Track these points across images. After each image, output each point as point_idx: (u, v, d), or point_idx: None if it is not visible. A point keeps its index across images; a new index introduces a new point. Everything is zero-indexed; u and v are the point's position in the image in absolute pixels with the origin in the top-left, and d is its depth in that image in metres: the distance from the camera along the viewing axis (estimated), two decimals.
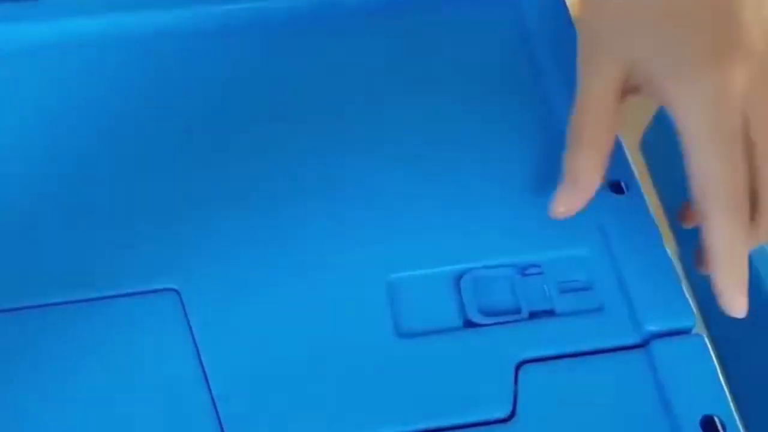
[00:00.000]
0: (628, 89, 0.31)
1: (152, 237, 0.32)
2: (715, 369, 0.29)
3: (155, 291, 0.31)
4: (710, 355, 0.29)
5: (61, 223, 0.32)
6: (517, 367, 0.29)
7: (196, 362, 0.30)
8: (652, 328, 0.29)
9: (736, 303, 0.29)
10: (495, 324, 0.30)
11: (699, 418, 0.28)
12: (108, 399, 0.29)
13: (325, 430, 0.28)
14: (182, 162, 0.34)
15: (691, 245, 0.31)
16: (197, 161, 0.34)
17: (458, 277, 0.31)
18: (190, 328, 0.30)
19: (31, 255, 0.32)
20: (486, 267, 0.31)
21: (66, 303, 0.31)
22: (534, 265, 0.31)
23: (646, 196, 0.33)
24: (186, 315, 0.31)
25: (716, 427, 0.27)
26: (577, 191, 0.30)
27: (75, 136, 0.34)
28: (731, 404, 0.28)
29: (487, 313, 0.30)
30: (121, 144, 0.34)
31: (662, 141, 0.42)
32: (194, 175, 0.33)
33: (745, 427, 0.28)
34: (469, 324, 0.30)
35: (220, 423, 0.28)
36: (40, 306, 0.31)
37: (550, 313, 0.30)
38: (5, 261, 0.32)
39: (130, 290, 0.31)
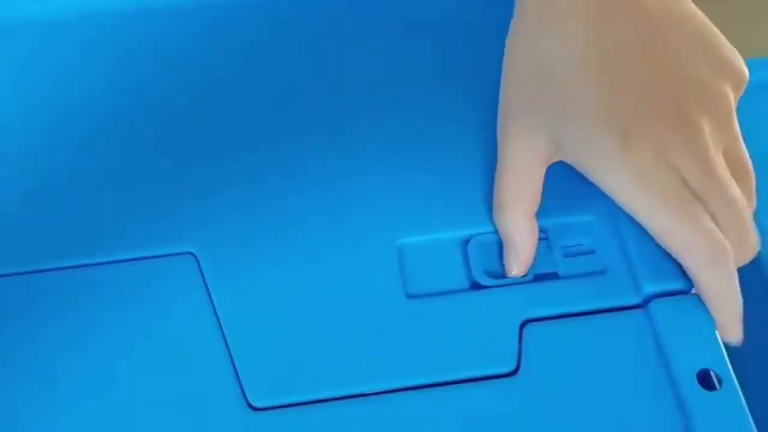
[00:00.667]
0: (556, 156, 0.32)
1: (169, 202, 0.33)
2: (712, 326, 0.30)
3: (172, 255, 0.32)
4: (707, 313, 0.30)
5: (78, 188, 0.34)
6: (522, 326, 0.30)
7: (214, 323, 0.31)
8: (651, 289, 0.31)
9: (734, 336, 0.30)
10: (501, 286, 0.31)
11: (696, 371, 0.29)
12: (125, 362, 0.30)
13: (338, 384, 0.29)
14: (198, 128, 0.35)
15: None
16: (213, 128, 0.35)
17: (466, 242, 0.32)
18: (208, 290, 0.32)
19: (49, 218, 0.33)
20: (493, 232, 0.32)
21: (83, 266, 0.32)
22: (539, 230, 0.32)
23: None
24: (203, 278, 0.32)
25: (712, 380, 0.29)
26: (520, 253, 0.31)
27: (93, 103, 0.36)
28: (727, 358, 0.29)
29: (494, 276, 0.32)
30: (138, 111, 0.35)
31: None
32: (209, 142, 0.35)
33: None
34: (476, 286, 0.31)
35: (239, 382, 0.29)
36: (57, 269, 0.32)
37: (553, 275, 0.32)
38: (24, 224, 0.33)
39: (147, 254, 0.32)
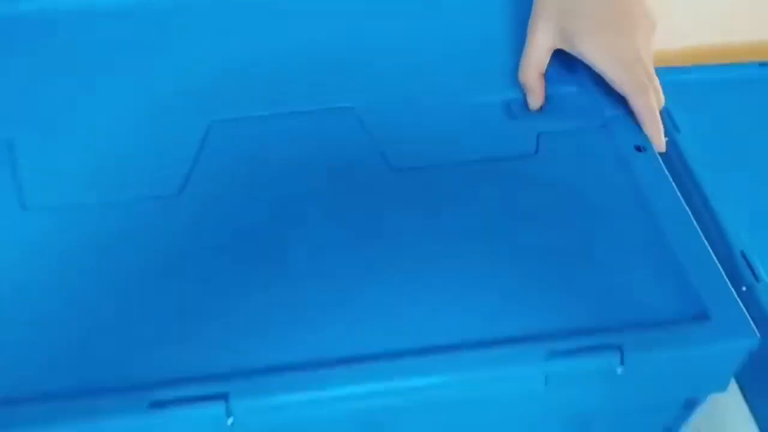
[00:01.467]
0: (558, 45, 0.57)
1: (333, 64, 0.58)
2: (640, 129, 0.55)
3: (336, 108, 0.57)
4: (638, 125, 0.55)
5: (264, 55, 0.59)
6: (538, 136, 0.55)
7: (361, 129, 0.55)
8: (609, 113, 0.56)
9: (658, 144, 0.55)
10: (526, 118, 0.56)
11: (633, 145, 0.53)
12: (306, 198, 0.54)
13: (437, 156, 0.54)
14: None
15: None
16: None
17: (508, 100, 0.58)
18: (370, 137, 0.55)
19: (240, 75, 0.58)
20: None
21: (271, 115, 0.56)
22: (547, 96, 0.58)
23: None
24: (363, 128, 0.56)
25: (641, 148, 0.53)
26: (535, 95, 0.57)
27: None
28: (650, 141, 0.54)
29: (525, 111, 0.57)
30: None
31: None
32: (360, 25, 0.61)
33: None
34: (509, 115, 0.56)
35: (384, 157, 0.53)
36: (248, 117, 0.56)
37: (554, 112, 0.57)
38: (224, 77, 0.57)
39: (315, 107, 0.57)
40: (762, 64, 0.92)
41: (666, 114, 0.75)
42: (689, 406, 0.51)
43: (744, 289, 0.73)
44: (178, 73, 0.58)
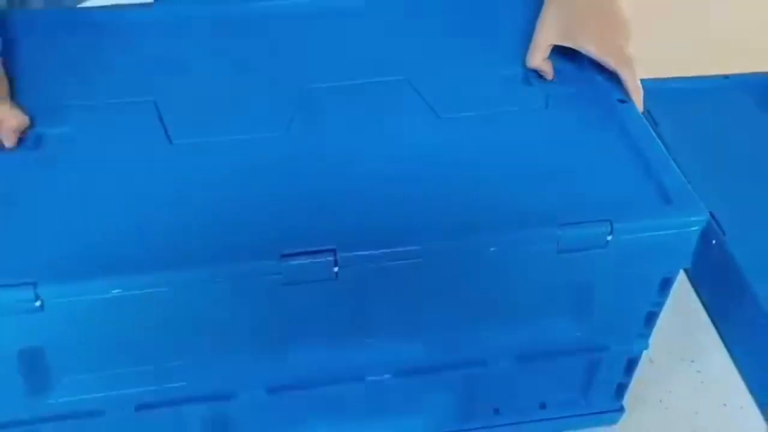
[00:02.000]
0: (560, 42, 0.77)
1: (392, 48, 0.79)
2: (620, 85, 0.74)
3: (394, 80, 0.76)
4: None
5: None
6: (547, 95, 0.74)
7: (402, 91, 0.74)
8: (599, 79, 0.75)
9: (641, 104, 0.74)
10: (539, 84, 0.76)
11: (616, 98, 0.73)
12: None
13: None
14: None
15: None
16: None
17: (526, 72, 0.77)
18: (423, 98, 0.75)
19: (328, 53, 0.78)
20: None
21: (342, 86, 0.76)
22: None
23: None
24: (418, 92, 0.75)
25: (624, 99, 0.72)
26: (545, 74, 0.77)
27: None
28: (627, 96, 0.73)
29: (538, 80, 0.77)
30: None
31: None
32: None
33: None
34: (528, 83, 0.76)
35: (431, 107, 0.73)
36: (331, 86, 0.75)
37: (559, 82, 0.76)
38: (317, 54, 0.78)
39: (373, 80, 0.76)
40: (725, 77, 1.13)
41: (647, 113, 0.95)
42: (664, 287, 0.68)
43: (714, 242, 0.91)
44: (282, 52, 0.78)
